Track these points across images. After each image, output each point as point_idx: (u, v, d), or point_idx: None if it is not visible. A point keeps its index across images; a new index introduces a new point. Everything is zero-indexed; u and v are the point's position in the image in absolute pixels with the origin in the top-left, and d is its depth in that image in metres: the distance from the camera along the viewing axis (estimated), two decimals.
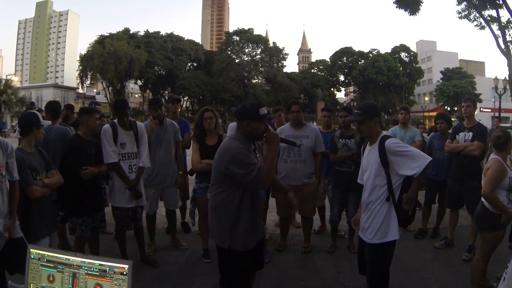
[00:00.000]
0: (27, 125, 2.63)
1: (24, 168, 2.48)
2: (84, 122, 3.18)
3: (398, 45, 53.87)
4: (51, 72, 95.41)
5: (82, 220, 3.10)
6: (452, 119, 5.43)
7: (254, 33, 53.27)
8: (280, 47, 53.75)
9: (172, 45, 50.68)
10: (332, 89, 58.48)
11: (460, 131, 4.02)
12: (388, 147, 2.33)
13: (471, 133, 3.88)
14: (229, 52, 52.45)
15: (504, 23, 19.68)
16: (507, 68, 20.07)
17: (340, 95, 67.28)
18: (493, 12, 20.01)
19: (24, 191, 2.48)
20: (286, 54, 54.28)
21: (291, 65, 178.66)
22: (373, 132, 2.47)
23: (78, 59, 45.92)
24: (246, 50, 53.20)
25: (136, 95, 59.03)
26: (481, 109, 41.79)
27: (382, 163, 2.35)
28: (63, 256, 1.41)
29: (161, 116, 3.82)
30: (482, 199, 2.95)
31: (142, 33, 52.03)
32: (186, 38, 53.73)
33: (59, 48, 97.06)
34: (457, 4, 21.14)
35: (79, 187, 3.05)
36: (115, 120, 3.48)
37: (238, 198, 2.14)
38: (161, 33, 52.41)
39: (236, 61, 51.78)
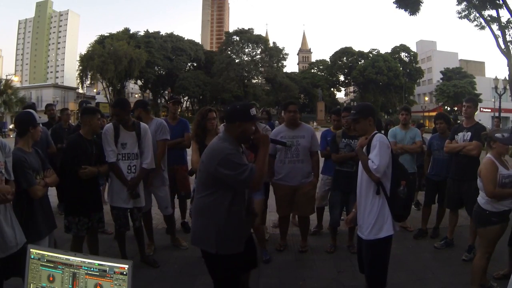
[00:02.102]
0: (23, 125, 2.59)
1: (27, 168, 2.46)
2: (87, 122, 3.18)
3: (398, 45, 53.96)
4: (51, 72, 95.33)
5: (78, 219, 3.09)
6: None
7: (254, 33, 53.28)
8: (280, 47, 53.92)
9: (172, 45, 50.63)
10: (332, 89, 58.53)
11: (459, 131, 4.03)
12: (374, 139, 2.48)
13: (469, 133, 3.89)
14: (229, 52, 52.45)
15: (504, 23, 19.67)
16: (507, 68, 20.08)
17: (340, 95, 67.48)
18: (493, 12, 20.01)
19: (28, 191, 2.46)
20: (286, 54, 54.38)
21: (291, 65, 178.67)
22: (367, 131, 2.59)
23: (78, 59, 45.89)
24: (246, 50, 53.24)
25: (136, 95, 58.90)
26: (481, 109, 41.68)
27: (368, 154, 2.50)
28: (63, 256, 1.41)
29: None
30: (478, 198, 2.98)
31: (142, 33, 51.99)
32: (186, 38, 53.69)
33: (59, 48, 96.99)
34: (457, 4, 21.15)
35: (78, 186, 3.04)
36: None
37: (227, 201, 2.05)
38: (161, 33, 52.36)
39: (236, 61, 51.77)
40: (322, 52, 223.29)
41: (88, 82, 48.32)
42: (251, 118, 2.09)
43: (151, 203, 3.97)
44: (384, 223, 2.45)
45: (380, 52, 53.81)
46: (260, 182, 2.05)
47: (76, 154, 3.05)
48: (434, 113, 29.93)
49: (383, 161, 2.41)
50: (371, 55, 53.38)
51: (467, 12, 21.13)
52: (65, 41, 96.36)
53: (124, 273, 1.34)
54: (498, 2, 19.30)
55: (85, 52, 44.11)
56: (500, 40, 19.84)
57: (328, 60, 57.39)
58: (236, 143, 2.10)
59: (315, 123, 38.92)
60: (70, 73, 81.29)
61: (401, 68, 51.19)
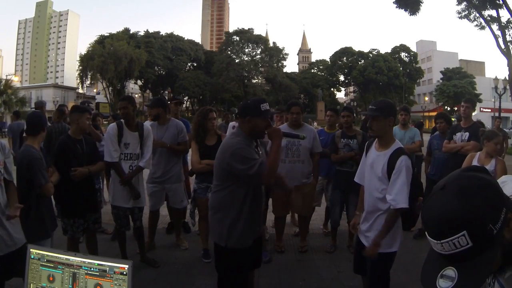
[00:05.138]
0: (39, 126, 2.63)
1: (43, 167, 2.53)
2: (75, 120, 3.12)
3: (398, 45, 53.78)
4: (51, 72, 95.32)
5: (73, 221, 3.07)
6: (452, 119, 5.45)
7: (254, 33, 53.24)
8: (280, 47, 53.83)
9: (172, 45, 50.65)
10: (332, 89, 58.48)
11: (457, 131, 4.05)
12: (399, 162, 2.18)
13: (467, 133, 3.93)
14: (229, 52, 52.41)
15: (504, 23, 19.66)
16: (507, 68, 20.07)
17: (340, 95, 67.42)
18: (493, 12, 20.00)
19: (43, 189, 2.50)
20: (286, 54, 54.33)
21: (291, 65, 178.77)
22: (385, 133, 2.31)
23: (78, 59, 45.90)
24: (246, 50, 53.20)
25: (136, 95, 58.96)
26: (481, 109, 41.72)
27: (388, 174, 2.22)
28: (63, 256, 1.41)
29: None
30: None
31: (142, 33, 52.01)
32: (186, 38, 53.73)
33: (59, 48, 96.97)
34: (457, 4, 21.15)
35: (71, 188, 2.99)
36: (122, 120, 3.48)
37: (241, 196, 2.12)
38: (161, 33, 52.39)
39: (236, 61, 51.74)
40: (322, 52, 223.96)
41: (88, 82, 48.32)
42: (262, 113, 2.11)
43: (161, 203, 4.00)
44: (397, 238, 2.32)
45: (380, 52, 53.71)
46: (271, 176, 2.06)
47: (66, 156, 3.00)
48: (434, 113, 29.90)
49: (405, 193, 2.15)
50: (371, 55, 53.30)
51: (467, 12, 21.13)
52: (65, 41, 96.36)
53: (124, 273, 1.34)
54: (498, 2, 19.30)
55: (85, 52, 44.13)
56: (500, 40, 19.84)
57: (328, 60, 57.27)
58: (248, 138, 2.14)
59: (315, 123, 38.86)
60: (70, 73, 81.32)
61: (401, 68, 51.12)
